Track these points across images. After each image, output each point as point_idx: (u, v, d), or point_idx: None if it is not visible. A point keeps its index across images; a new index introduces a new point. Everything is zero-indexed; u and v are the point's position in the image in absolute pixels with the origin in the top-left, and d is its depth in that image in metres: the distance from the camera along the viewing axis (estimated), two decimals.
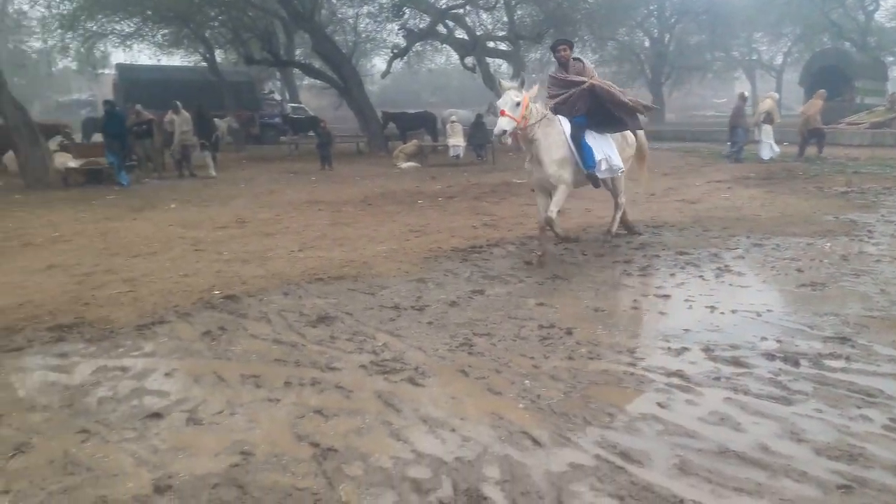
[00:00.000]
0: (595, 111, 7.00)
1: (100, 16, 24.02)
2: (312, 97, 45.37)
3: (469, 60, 31.58)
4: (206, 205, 11.60)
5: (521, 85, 6.63)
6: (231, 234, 8.88)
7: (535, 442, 3.28)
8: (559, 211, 6.95)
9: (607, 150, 7.11)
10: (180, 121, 15.93)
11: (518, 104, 6.49)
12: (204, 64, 29.71)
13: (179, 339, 4.90)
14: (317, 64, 30.18)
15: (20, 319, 5.37)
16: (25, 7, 26.41)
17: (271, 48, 25.87)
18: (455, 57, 35.21)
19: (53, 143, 15.69)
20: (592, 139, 6.99)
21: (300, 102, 36.06)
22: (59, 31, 24.65)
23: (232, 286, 6.28)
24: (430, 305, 5.60)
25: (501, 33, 32.20)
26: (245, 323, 5.25)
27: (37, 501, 2.89)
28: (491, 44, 32.57)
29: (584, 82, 6.95)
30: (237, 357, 4.55)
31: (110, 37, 26.25)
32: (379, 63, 42.95)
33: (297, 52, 35.24)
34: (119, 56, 31.30)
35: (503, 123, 6.44)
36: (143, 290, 6.19)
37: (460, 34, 31.36)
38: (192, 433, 3.49)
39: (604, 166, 7.02)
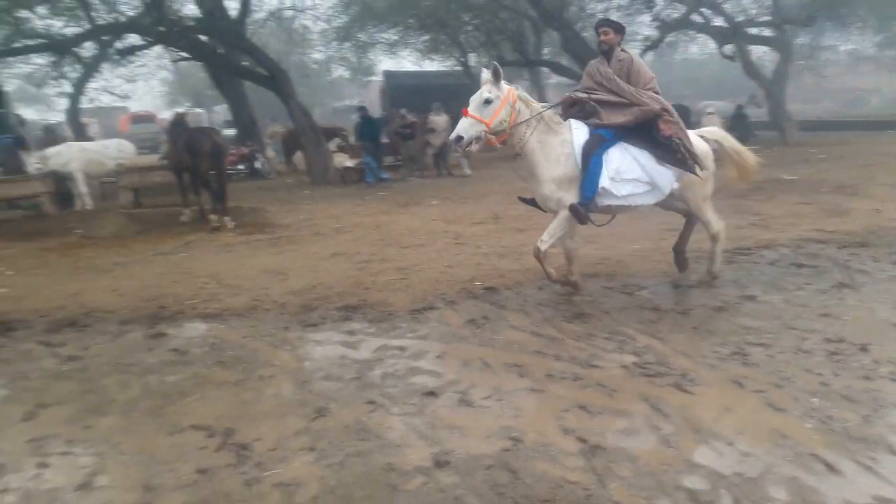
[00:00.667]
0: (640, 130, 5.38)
1: (369, 27, 26.45)
2: (559, 96, 45.60)
3: (728, 48, 29.45)
4: (464, 201, 12.20)
5: (497, 77, 5.18)
6: (487, 230, 9.24)
7: (829, 467, 2.97)
8: (550, 245, 5.48)
9: (645, 163, 5.32)
10: (440, 122, 16.95)
11: (488, 102, 5.10)
12: (458, 68, 31.28)
13: (448, 325, 5.22)
14: (564, 62, 30.23)
15: (314, 299, 6.10)
16: (308, 23, 29.90)
17: (521, 48, 26.44)
18: (711, 46, 33.07)
19: (332, 145, 17.59)
20: (619, 153, 5.32)
21: (547, 101, 36.35)
22: (336, 42, 27.59)
23: (491, 278, 6.54)
24: (693, 309, 5.34)
25: (765, 18, 29.54)
26: (505, 314, 5.44)
27: (336, 461, 3.26)
28: (753, 30, 30.03)
29: (647, 105, 5.26)
30: (500, 346, 4.73)
31: (378, 46, 28.80)
32: None
33: (545, 51, 35.60)
34: (386, 64, 34.22)
35: (461, 127, 5.06)
36: (414, 278, 6.69)
37: (718, 21, 29.36)
38: (464, 414, 3.70)
39: (626, 188, 5.31)
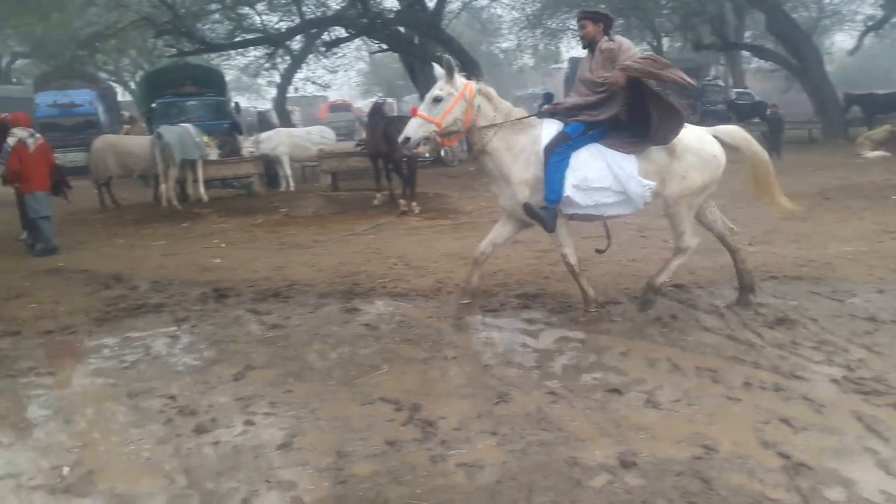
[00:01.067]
0: (632, 116, 4.74)
1: (560, 13, 26.25)
2: (756, 81, 42.37)
3: None
4: None
5: (450, 73, 4.72)
6: None
7: None
8: (573, 254, 5.04)
9: (620, 170, 4.71)
10: None
11: (438, 100, 4.70)
12: (648, 52, 30.13)
13: (632, 322, 5.04)
14: (769, 45, 28.00)
15: (494, 285, 6.15)
16: (499, 11, 30.21)
17: (721, 31, 24.83)
18: None
19: None
20: (589, 157, 4.74)
21: (746, 87, 33.87)
22: (525, 30, 27.68)
23: (679, 275, 6.17)
24: None
25: None
26: (696, 314, 5.14)
27: (518, 448, 3.25)
28: None
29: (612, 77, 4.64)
30: (690, 347, 4.47)
31: (567, 32, 28.49)
32: (840, 40, 37.98)
33: (747, 34, 33.21)
34: (574, 51, 33.74)
35: (409, 128, 4.74)
36: (594, 270, 6.50)
37: None
38: (651, 415, 3.54)
39: (593, 197, 4.74)
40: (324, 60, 26.38)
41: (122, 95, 34.11)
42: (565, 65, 33.53)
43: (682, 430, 3.36)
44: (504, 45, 36.36)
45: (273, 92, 33.34)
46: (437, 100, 4.73)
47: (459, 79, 4.79)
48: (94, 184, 12.87)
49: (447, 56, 4.82)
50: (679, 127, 4.76)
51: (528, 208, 4.76)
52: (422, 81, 21.30)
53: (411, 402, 3.79)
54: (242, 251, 8.34)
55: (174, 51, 18.38)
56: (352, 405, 3.84)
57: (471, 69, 16.52)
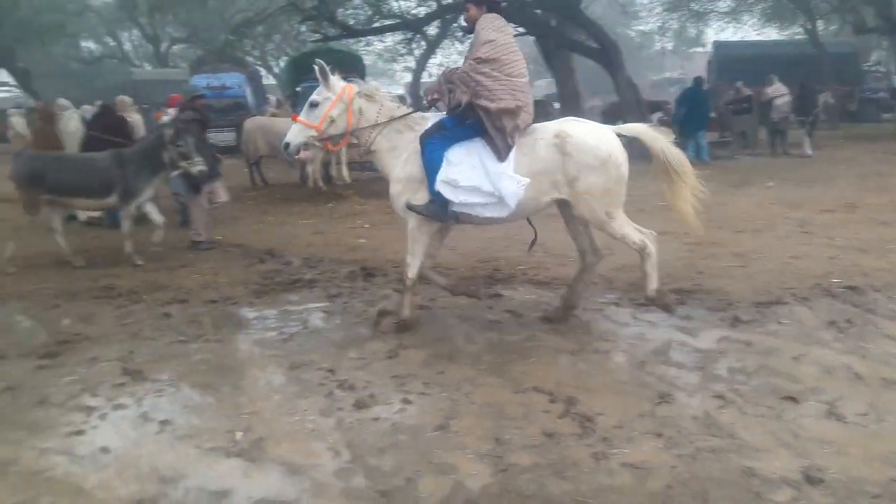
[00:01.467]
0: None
1: None
2: None
3: None
4: (807, 185, 10.85)
5: (325, 77, 4.62)
6: (839, 219, 8.11)
7: None
8: (416, 268, 4.75)
9: (492, 168, 4.42)
10: (774, 92, 15.35)
11: (316, 105, 4.65)
12: (801, 36, 27.98)
13: (801, 324, 4.68)
14: None
15: (643, 278, 5.90)
16: None
17: (888, 14, 22.60)
18: None
19: (654, 119, 16.97)
20: (464, 153, 4.48)
21: None
22: (665, 12, 26.49)
23: (851, 276, 5.71)
24: None
25: None
26: (875, 320, 4.71)
27: (687, 453, 3.08)
28: None
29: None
30: (872, 356, 4.09)
31: (712, 14, 27.01)
32: None
33: None
34: (720, 34, 32.02)
35: (290, 134, 4.70)
36: (753, 266, 6.14)
37: None
38: (834, 428, 3.26)
39: (460, 196, 4.46)
40: (458, 45, 26.42)
41: (266, 79, 35.93)
42: (709, 48, 31.88)
43: (872, 447, 3.06)
44: (642, 27, 35.03)
45: (407, 77, 33.95)
46: (314, 104, 4.72)
47: (337, 82, 4.74)
48: (245, 163, 13.59)
49: (319, 61, 4.77)
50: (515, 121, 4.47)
51: (410, 207, 4.64)
52: (557, 65, 20.91)
53: (565, 395, 3.70)
54: (384, 232, 8.51)
55: (317, 36, 19.03)
56: (504, 392, 3.80)
57: (612, 52, 16.03)
